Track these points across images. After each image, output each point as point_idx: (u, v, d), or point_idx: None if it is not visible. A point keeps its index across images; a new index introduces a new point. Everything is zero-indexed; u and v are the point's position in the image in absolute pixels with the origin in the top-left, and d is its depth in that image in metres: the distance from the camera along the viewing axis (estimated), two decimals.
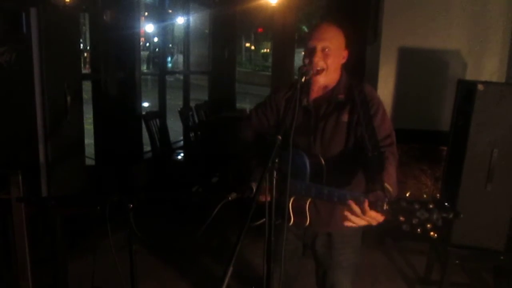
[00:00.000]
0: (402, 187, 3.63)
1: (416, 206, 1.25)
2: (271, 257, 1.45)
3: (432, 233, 1.24)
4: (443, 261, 2.83)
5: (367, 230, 1.91)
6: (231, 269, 1.08)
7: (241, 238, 1.13)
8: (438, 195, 1.30)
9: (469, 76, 3.50)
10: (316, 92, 1.83)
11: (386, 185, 1.49)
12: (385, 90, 3.68)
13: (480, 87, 2.55)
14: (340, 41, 1.79)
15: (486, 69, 3.56)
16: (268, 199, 1.42)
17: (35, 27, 2.98)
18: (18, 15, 2.92)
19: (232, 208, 1.66)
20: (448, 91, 3.39)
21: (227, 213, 1.55)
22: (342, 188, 1.67)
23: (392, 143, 1.72)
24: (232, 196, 1.58)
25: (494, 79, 3.50)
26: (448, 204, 1.27)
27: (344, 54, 1.81)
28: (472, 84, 2.64)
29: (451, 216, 1.24)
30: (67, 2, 3.32)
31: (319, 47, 1.73)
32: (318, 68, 1.73)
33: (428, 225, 1.23)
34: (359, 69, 4.23)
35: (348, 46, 1.83)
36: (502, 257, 2.69)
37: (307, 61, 1.73)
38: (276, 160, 1.38)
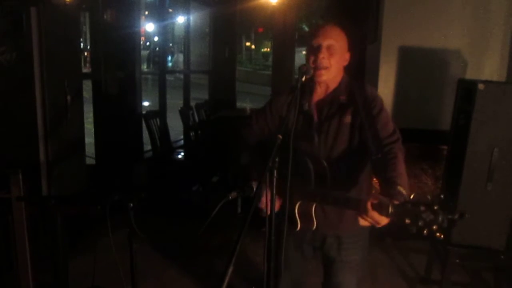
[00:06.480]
0: None
1: (422, 208, 1.25)
2: (271, 257, 1.45)
3: (438, 234, 1.24)
4: (444, 260, 2.82)
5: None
6: (231, 268, 1.08)
7: (241, 237, 1.13)
8: (442, 196, 1.30)
9: (470, 75, 3.50)
10: (318, 95, 1.81)
11: (400, 188, 1.47)
12: (386, 89, 3.68)
13: (480, 86, 2.55)
14: (344, 42, 1.78)
15: (487, 68, 3.56)
16: (267, 199, 1.42)
17: (35, 26, 2.98)
18: (18, 15, 2.93)
19: (233, 207, 1.66)
20: (449, 90, 3.39)
21: (228, 212, 1.55)
22: (349, 191, 1.66)
23: (399, 139, 1.71)
24: (233, 195, 1.58)
25: (495, 78, 3.50)
26: (452, 204, 1.28)
27: (347, 56, 1.80)
28: (473, 83, 2.64)
29: (456, 217, 1.25)
30: (67, 1, 3.31)
31: (324, 44, 1.70)
32: (322, 66, 1.70)
33: (434, 227, 1.24)
34: (359, 69, 4.23)
35: (349, 46, 1.82)
36: (502, 256, 2.68)
37: (312, 59, 1.71)
38: (276, 160, 1.38)
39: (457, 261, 2.74)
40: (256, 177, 1.75)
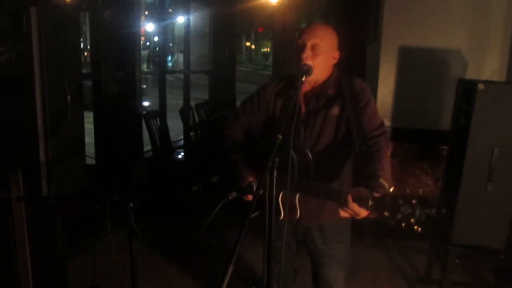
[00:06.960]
0: (403, 186, 3.63)
1: (400, 202, 1.30)
2: (271, 257, 1.45)
3: (416, 227, 1.29)
4: (444, 260, 2.83)
5: (367, 230, 1.92)
6: (231, 268, 1.08)
7: (241, 237, 1.13)
8: (420, 190, 1.34)
9: (470, 75, 3.50)
10: (306, 87, 1.81)
11: (382, 180, 1.50)
12: (385, 89, 3.68)
13: (480, 86, 2.55)
14: (333, 42, 1.76)
15: (487, 68, 3.56)
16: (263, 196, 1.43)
17: (35, 26, 2.98)
18: (18, 14, 2.93)
19: (233, 207, 1.66)
20: (449, 90, 3.39)
21: (228, 212, 1.55)
22: (331, 183, 1.68)
23: (385, 132, 1.73)
24: (233, 195, 1.59)
25: (495, 78, 3.49)
26: (432, 200, 1.33)
27: (336, 55, 1.78)
28: (473, 83, 2.63)
29: (433, 211, 1.29)
30: (67, 1, 3.31)
31: (309, 44, 1.70)
32: (305, 66, 1.68)
33: (412, 220, 1.28)
34: (359, 69, 4.23)
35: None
36: (502, 256, 2.69)
37: (298, 57, 1.70)
38: (276, 160, 1.39)
39: (457, 261, 2.74)
40: (246, 170, 1.75)
